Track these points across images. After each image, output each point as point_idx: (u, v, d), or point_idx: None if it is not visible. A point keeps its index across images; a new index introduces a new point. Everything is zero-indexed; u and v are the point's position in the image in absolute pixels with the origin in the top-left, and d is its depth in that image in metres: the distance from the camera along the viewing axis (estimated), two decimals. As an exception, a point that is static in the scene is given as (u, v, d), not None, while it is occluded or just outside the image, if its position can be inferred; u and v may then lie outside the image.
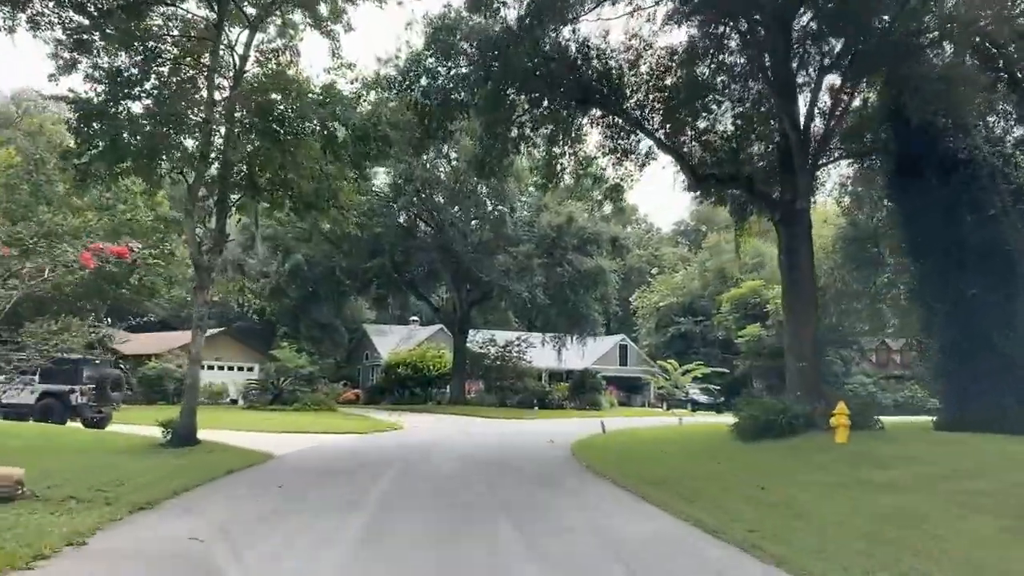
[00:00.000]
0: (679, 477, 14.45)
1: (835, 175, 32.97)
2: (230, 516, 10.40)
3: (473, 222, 45.73)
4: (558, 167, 28.17)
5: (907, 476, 12.94)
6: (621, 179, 28.12)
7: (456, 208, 44.17)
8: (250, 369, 50.02)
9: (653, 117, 23.14)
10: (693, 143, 23.59)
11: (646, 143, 24.85)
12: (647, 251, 76.82)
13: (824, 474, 13.66)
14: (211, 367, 48.61)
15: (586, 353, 59.09)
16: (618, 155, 26.24)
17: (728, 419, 38.56)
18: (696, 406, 50.03)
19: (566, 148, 27.60)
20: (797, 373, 19.31)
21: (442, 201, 42.34)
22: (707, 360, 56.43)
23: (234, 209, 19.83)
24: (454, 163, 41.94)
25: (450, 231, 42.33)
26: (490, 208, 44.90)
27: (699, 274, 64.84)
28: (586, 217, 41.51)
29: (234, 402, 42.40)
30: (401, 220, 43.15)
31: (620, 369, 62.51)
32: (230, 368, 49.34)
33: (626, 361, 64.75)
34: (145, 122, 18.12)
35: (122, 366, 47.01)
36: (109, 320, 67.95)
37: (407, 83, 21.28)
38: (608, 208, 44.23)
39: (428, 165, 40.45)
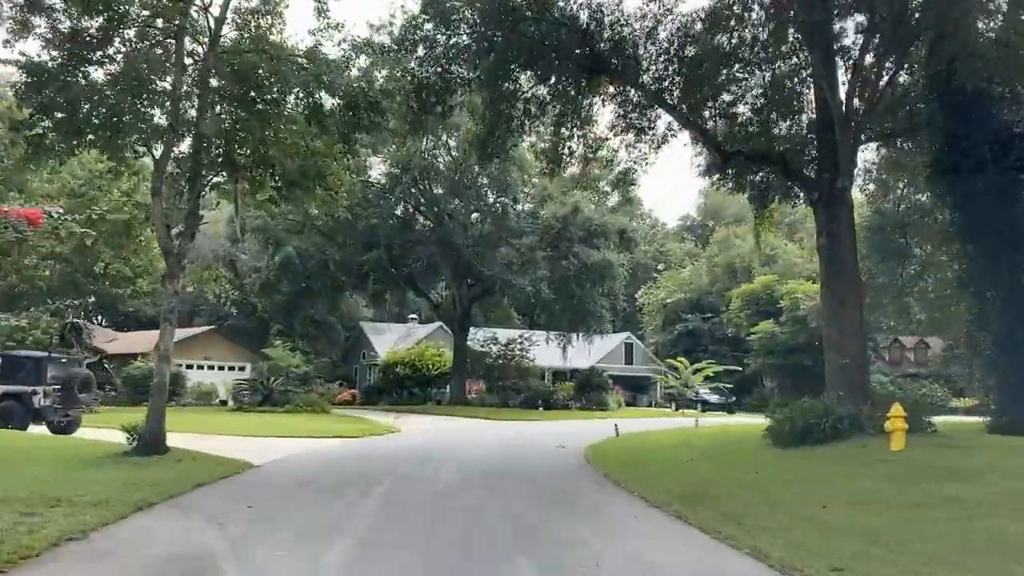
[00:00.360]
0: (717, 491, 12.43)
1: (859, 160, 30.83)
2: (178, 549, 8.40)
3: (474, 215, 43.70)
4: (565, 151, 26.21)
5: (993, 492, 10.91)
6: (635, 162, 26.14)
7: (456, 201, 42.15)
8: (242, 368, 48.15)
9: (673, 90, 21.07)
10: (718, 119, 21.50)
11: (665, 120, 22.82)
12: (652, 246, 74.77)
13: (892, 489, 11.62)
14: (200, 367, 46.83)
15: (591, 351, 57.12)
16: (634, 132, 24.23)
17: (742, 420, 36.62)
18: (706, 406, 48.01)
19: (575, 130, 25.62)
20: (839, 370, 17.24)
21: (441, 192, 40.28)
22: (716, 358, 54.47)
23: (209, 189, 17.77)
24: (454, 153, 39.93)
25: (450, 224, 40.29)
26: (492, 200, 42.85)
27: (707, 269, 62.80)
28: (592, 208, 39.49)
29: (224, 403, 40.38)
30: (398, 212, 41.10)
31: (625, 368, 60.51)
32: (220, 368, 47.45)
33: (631, 360, 62.73)
34: (107, 90, 16.08)
35: (106, 365, 45.15)
36: (103, 320, 66.06)
37: (402, 52, 19.23)
38: (616, 198, 42.32)
39: (426, 154, 38.42)
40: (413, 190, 38.75)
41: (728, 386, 47.61)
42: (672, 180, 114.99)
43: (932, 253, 32.70)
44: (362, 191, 38.90)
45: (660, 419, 37.95)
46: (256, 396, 36.07)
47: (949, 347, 53.22)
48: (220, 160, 17.34)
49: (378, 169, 40.54)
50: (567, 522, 10.45)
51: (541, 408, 38.89)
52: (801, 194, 28.02)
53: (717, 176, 28.24)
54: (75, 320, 36.03)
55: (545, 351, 49.18)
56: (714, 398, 48.36)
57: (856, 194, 35.04)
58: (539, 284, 36.75)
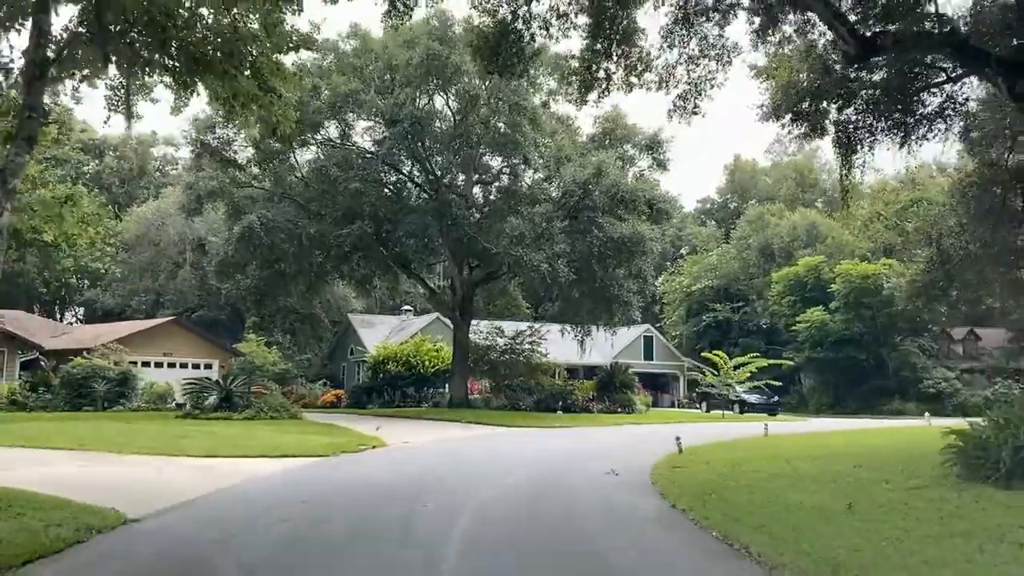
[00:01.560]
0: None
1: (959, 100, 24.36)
2: None
3: (476, 188, 37.01)
4: (600, 72, 19.77)
5: None
6: (695, 84, 19.71)
7: (458, 172, 35.53)
8: (208, 366, 41.68)
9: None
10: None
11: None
12: (670, 231, 68.10)
13: None
14: (159, 364, 40.31)
15: (605, 346, 51.02)
16: (699, 38, 17.80)
17: (800, 426, 29.69)
18: (745, 407, 41.35)
19: (612, 47, 19.16)
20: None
21: (438, 152, 33.53)
22: (747, 352, 47.80)
23: (61, 72, 11.11)
24: (452, 104, 33.39)
25: (447, 193, 33.70)
26: (499, 165, 36.14)
27: (737, 252, 55.96)
28: (618, 171, 32.77)
29: (180, 407, 33.58)
30: (386, 178, 34.38)
31: (645, 364, 54.22)
32: (183, 365, 40.84)
33: (652, 355, 56.36)
34: None
35: (42, 363, 38.50)
36: (79, 313, 59.31)
37: None
38: (646, 162, 35.86)
39: (419, 102, 31.67)
40: (403, 146, 31.89)
41: (777, 383, 40.56)
42: (688, 161, 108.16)
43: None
44: (342, 153, 32.32)
45: (706, 424, 31.44)
46: (211, 399, 29.39)
47: (1015, 338, 46.93)
48: (81, 22, 10.70)
49: (362, 124, 33.94)
50: None
51: (560, 411, 32.18)
52: (911, 128, 21.96)
53: (790, 116, 22.32)
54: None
55: (557, 345, 42.73)
56: (754, 398, 41.62)
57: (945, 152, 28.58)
58: (556, 261, 30.00)
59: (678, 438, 17.71)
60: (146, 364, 39.47)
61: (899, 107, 21.41)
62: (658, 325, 57.94)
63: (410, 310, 57.37)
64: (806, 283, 45.47)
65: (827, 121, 22.33)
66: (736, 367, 38.30)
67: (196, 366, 41.30)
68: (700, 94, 19.35)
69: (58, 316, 65.03)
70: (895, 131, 21.92)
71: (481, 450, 20.14)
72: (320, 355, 59.23)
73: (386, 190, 33.69)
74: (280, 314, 54.78)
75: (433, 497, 11.82)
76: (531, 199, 32.31)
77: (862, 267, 41.35)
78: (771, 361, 39.55)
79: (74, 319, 67.84)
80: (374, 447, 20.44)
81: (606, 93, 20.81)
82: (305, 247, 31.22)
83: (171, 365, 40.68)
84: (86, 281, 51.87)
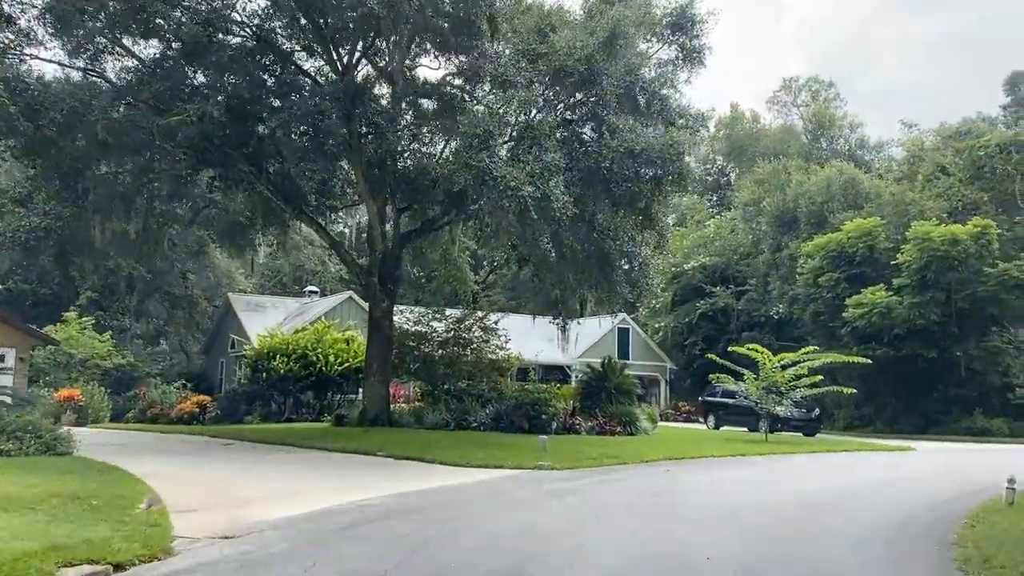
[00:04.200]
0: None
1: None
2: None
3: (408, 114, 23.82)
4: None
5: None
6: None
7: (378, 68, 22.57)
8: (0, 358, 27.83)
9: None
10: None
11: None
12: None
13: None
14: (-91, 357, 26.19)
15: (576, 340, 39.80)
16: None
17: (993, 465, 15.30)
18: (777, 424, 29.35)
19: None
20: None
21: (345, 36, 20.22)
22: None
23: None
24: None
25: (359, 83, 20.79)
26: (440, 69, 23.07)
27: (746, 223, 43.93)
28: (642, 47, 20.33)
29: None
30: (260, 60, 20.96)
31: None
32: (-46, 358, 26.73)
33: (627, 352, 44.47)
34: None
35: None
36: None
37: None
38: (667, 55, 23.35)
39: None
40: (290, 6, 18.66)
41: (848, 389, 27.79)
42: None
43: None
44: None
45: (800, 456, 19.48)
46: None
47: None
48: None
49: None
50: None
51: (545, 437, 18.98)
52: None
53: None
54: None
55: (521, 338, 30.29)
56: (792, 412, 29.26)
57: None
58: (546, 182, 17.24)
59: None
60: None
61: None
62: (633, 316, 45.79)
63: (316, 292, 44.04)
64: (853, 255, 33.84)
65: None
66: (783, 366, 26.20)
67: (-20, 358, 27.22)
68: None
69: None
70: None
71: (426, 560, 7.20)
72: (196, 349, 45.59)
73: (260, 73, 20.13)
74: (141, 289, 40.94)
75: None
76: (502, 77, 19.13)
77: (946, 229, 30.06)
78: (848, 358, 27.51)
79: None
80: (146, 561, 7.35)
81: None
82: (109, 150, 17.66)
83: (-67, 357, 26.53)
84: None
